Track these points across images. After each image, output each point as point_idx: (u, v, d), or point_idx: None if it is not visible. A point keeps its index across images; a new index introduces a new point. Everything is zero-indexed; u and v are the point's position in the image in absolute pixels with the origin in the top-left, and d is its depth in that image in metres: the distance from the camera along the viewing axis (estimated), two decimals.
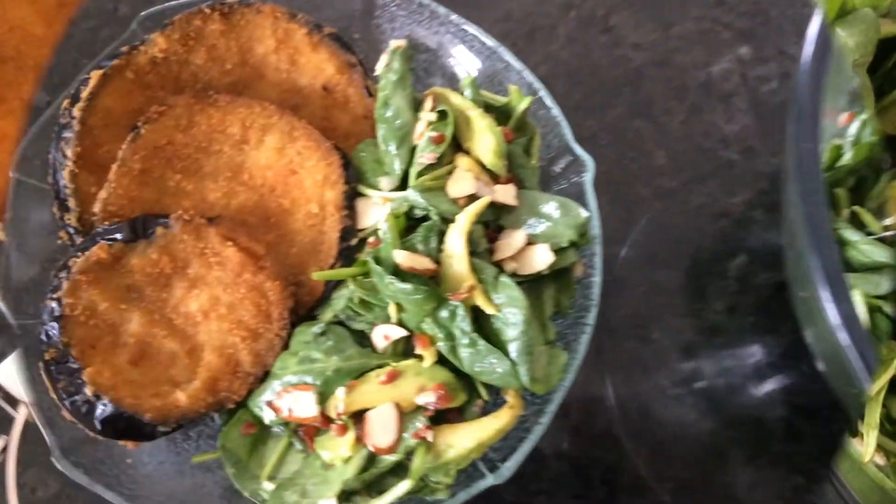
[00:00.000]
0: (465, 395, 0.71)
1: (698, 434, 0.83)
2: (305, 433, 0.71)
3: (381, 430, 0.67)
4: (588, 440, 0.82)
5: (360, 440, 0.67)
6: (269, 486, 0.71)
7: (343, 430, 0.68)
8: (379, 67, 0.80)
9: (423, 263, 0.69)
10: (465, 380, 0.71)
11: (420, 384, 0.68)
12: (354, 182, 0.78)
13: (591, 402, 0.83)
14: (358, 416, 0.68)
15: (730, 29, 1.00)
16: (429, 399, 0.67)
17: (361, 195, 0.78)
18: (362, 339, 0.73)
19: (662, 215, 0.89)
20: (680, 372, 0.84)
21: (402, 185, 0.77)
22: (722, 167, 0.92)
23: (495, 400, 0.72)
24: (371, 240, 0.75)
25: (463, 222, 0.69)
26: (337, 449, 0.68)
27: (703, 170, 0.92)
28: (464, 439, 0.68)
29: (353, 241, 0.77)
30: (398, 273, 0.68)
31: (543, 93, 0.77)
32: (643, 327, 0.85)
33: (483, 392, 0.72)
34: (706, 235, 0.89)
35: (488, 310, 0.67)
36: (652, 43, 0.99)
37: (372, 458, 0.68)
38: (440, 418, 0.69)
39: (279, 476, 0.72)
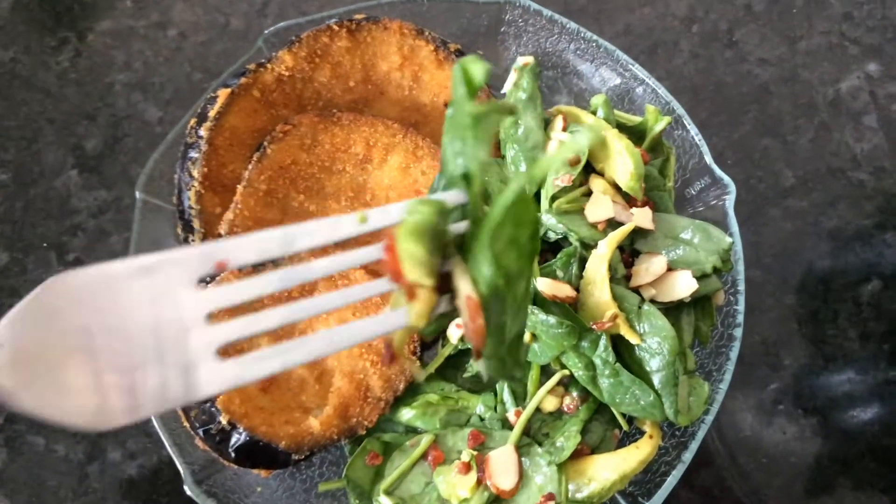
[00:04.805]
0: None
1: (833, 465, 0.79)
2: (433, 459, 0.69)
3: (503, 471, 0.65)
4: (718, 470, 0.79)
5: (480, 482, 0.65)
6: (385, 500, 0.68)
7: (467, 468, 0.65)
8: (507, 86, 0.77)
9: (565, 291, 0.66)
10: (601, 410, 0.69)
11: None
12: None
13: (722, 430, 0.80)
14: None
15: (858, 44, 0.96)
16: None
17: None
18: None
19: (793, 238, 0.85)
20: (813, 401, 0.80)
21: None
22: (853, 188, 0.88)
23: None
24: None
25: (605, 249, 0.66)
26: (454, 488, 0.65)
27: (834, 190, 0.88)
28: (605, 471, 0.65)
29: None
30: (538, 300, 0.66)
31: (681, 112, 0.73)
32: (774, 355, 0.81)
33: (623, 422, 0.69)
34: (838, 259, 0.84)
35: (633, 340, 0.64)
36: (778, 58, 0.95)
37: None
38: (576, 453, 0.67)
39: (396, 493, 0.69)
